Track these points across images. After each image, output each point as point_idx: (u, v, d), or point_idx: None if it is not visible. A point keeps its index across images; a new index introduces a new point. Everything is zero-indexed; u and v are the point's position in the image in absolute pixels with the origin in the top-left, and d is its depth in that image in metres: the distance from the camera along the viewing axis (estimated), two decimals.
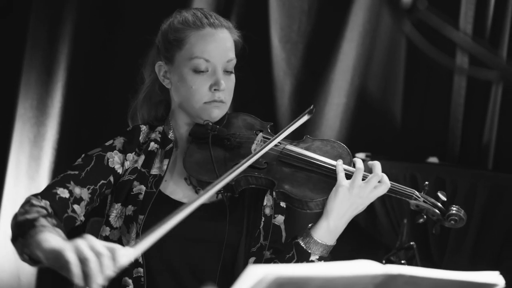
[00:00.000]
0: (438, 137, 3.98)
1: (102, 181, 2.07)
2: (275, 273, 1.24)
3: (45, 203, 1.95)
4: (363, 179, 2.00)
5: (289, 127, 2.03)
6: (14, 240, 1.85)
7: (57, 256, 1.62)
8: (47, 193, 1.99)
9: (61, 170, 3.67)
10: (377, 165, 2.02)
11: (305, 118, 2.06)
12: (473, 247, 3.39)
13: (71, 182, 2.02)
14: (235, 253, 2.07)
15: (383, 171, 3.67)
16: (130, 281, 2.03)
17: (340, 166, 2.01)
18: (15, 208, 3.59)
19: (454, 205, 2.07)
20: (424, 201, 2.06)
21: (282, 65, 3.90)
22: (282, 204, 2.18)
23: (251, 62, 3.87)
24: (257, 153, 1.96)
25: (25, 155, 3.66)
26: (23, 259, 1.82)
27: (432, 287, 1.46)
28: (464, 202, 3.39)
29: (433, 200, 2.07)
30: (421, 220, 2.06)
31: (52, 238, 1.73)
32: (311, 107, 2.07)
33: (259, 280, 1.23)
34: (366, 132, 3.98)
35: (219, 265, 2.05)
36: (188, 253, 2.06)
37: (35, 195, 1.98)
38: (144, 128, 2.19)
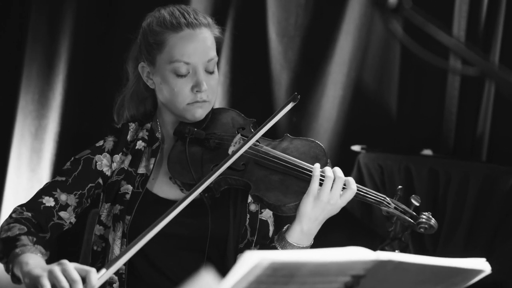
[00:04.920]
0: (432, 130, 4.03)
1: (90, 185, 2.10)
2: (270, 259, 1.29)
3: (27, 215, 2.00)
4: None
5: (271, 119, 2.02)
6: (0, 259, 1.93)
7: (34, 282, 1.72)
8: (33, 203, 2.04)
9: (63, 163, 3.75)
10: (336, 170, 1.99)
11: (289, 106, 2.03)
12: (465, 237, 3.45)
13: (58, 190, 2.06)
14: (222, 250, 2.09)
15: (378, 163, 3.72)
16: (116, 278, 2.07)
17: (317, 171, 1.97)
18: (17, 201, 3.65)
19: (424, 213, 2.02)
20: (395, 208, 2.02)
21: (279, 59, 3.94)
22: None
23: (249, 56, 3.94)
24: (233, 155, 1.97)
25: (27, 148, 3.70)
26: (11, 277, 1.89)
27: (420, 273, 1.51)
28: (457, 193, 3.45)
29: (403, 207, 2.03)
30: (391, 229, 2.03)
31: (32, 260, 1.82)
32: (295, 94, 2.04)
33: (254, 265, 1.28)
34: (362, 124, 4.02)
35: (203, 261, 2.07)
36: (171, 249, 2.08)
37: (21, 206, 2.03)
38: (132, 126, 2.19)
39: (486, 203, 3.41)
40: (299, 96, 2.05)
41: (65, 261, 1.73)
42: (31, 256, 1.84)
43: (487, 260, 1.59)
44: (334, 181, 1.96)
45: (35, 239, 1.92)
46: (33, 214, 2.01)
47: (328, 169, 1.99)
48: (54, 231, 2.04)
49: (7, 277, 3.81)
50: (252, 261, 1.28)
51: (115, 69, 3.73)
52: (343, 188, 1.98)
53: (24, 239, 1.90)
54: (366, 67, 4.03)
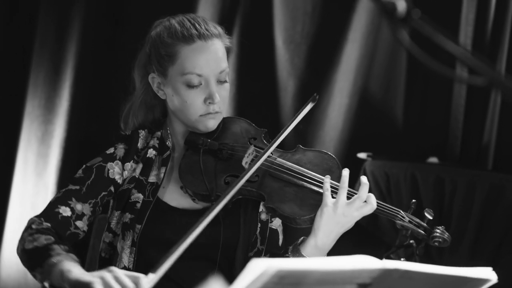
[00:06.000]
0: (438, 138, 4.03)
1: (103, 193, 2.10)
2: (277, 266, 1.29)
3: (46, 225, 2.00)
4: (349, 197, 1.99)
5: (292, 122, 2.04)
6: (32, 269, 1.91)
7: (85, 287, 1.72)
8: (50, 213, 2.04)
9: (69, 168, 3.73)
10: (364, 187, 2.00)
11: (309, 107, 2.05)
12: (471, 246, 3.44)
13: (73, 199, 2.06)
14: (232, 258, 2.08)
15: (384, 171, 3.72)
16: None
17: (327, 184, 2.00)
18: (23, 205, 3.66)
19: (438, 227, 2.07)
20: (409, 221, 2.06)
21: (285, 66, 3.95)
22: None
23: (255, 63, 3.94)
24: (252, 167, 1.97)
25: (33, 153, 3.70)
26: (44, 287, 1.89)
27: (426, 282, 1.52)
28: (463, 201, 3.44)
29: (418, 220, 2.07)
30: (406, 242, 2.07)
31: (73, 267, 1.80)
32: (314, 95, 2.06)
33: (261, 273, 1.29)
34: (368, 132, 4.02)
35: (213, 269, 2.07)
36: (182, 258, 2.08)
37: (38, 217, 2.03)
38: (142, 133, 2.19)
39: (492, 212, 3.41)
40: (317, 96, 2.08)
41: (115, 268, 1.72)
42: (71, 264, 1.82)
43: (493, 269, 1.60)
44: (355, 199, 1.98)
45: (66, 247, 1.91)
46: (52, 224, 2.01)
47: (343, 178, 2.01)
48: (71, 240, 2.04)
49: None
50: (259, 268, 1.29)
51: (122, 75, 3.74)
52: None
53: (57, 248, 1.89)
54: (373, 75, 4.04)
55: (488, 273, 1.57)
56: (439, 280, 1.51)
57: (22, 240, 1.97)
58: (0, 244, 3.68)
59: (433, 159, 3.87)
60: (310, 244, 2.00)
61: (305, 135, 3.96)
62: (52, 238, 1.93)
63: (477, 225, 3.42)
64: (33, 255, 1.91)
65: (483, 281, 1.57)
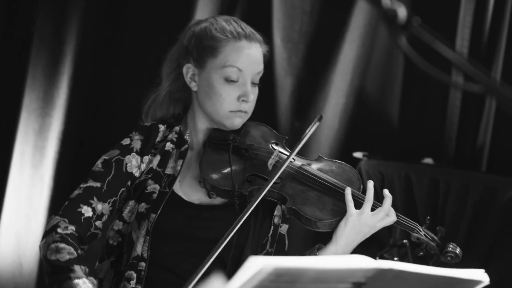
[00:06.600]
0: (433, 139, 4.04)
1: (122, 189, 2.13)
2: (274, 264, 1.32)
3: (71, 229, 2.02)
4: (372, 209, 2.09)
5: (303, 138, 2.07)
6: (50, 285, 1.95)
7: None
8: (72, 214, 2.05)
9: (65, 161, 3.71)
10: (388, 200, 2.10)
11: (315, 126, 2.11)
12: (464, 247, 3.46)
13: (94, 198, 2.08)
14: (238, 258, 2.11)
15: (379, 170, 3.74)
16: (135, 275, 2.08)
17: (349, 196, 2.09)
18: (19, 197, 3.67)
19: (451, 243, 2.20)
20: (424, 235, 2.18)
21: (283, 64, 3.96)
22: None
23: None
24: (280, 169, 2.03)
25: (30, 145, 3.71)
26: None
27: (419, 282, 1.54)
28: (457, 202, 3.46)
29: (432, 235, 2.20)
30: (421, 253, 2.21)
31: None
32: (320, 115, 2.12)
33: (258, 270, 1.31)
34: (364, 132, 4.04)
35: (226, 267, 2.09)
36: (193, 252, 2.10)
37: (62, 216, 2.04)
38: (162, 127, 2.21)
39: (485, 214, 3.43)
40: (323, 115, 2.14)
41: None
42: None
43: (485, 271, 1.62)
44: (380, 211, 2.08)
45: (87, 269, 1.95)
46: (76, 227, 2.03)
47: (369, 191, 2.10)
48: (89, 241, 2.08)
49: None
50: (256, 266, 1.31)
51: (121, 70, 3.77)
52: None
53: (78, 269, 1.93)
54: (369, 75, 4.05)
55: (480, 275, 1.59)
56: (432, 280, 1.54)
57: (45, 244, 1.99)
58: None
59: (428, 160, 3.89)
60: (331, 251, 2.09)
61: (301, 133, 3.97)
62: (75, 254, 1.96)
63: (470, 226, 3.44)
64: (53, 269, 1.94)
65: (476, 282, 1.59)
